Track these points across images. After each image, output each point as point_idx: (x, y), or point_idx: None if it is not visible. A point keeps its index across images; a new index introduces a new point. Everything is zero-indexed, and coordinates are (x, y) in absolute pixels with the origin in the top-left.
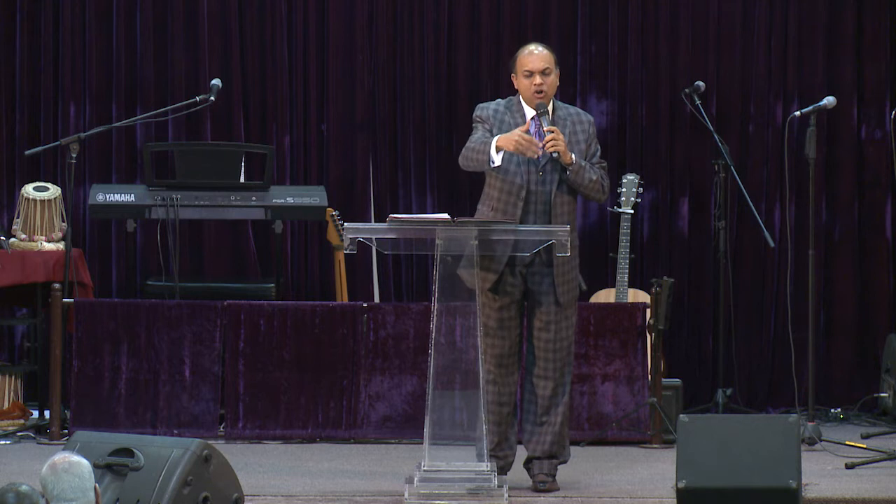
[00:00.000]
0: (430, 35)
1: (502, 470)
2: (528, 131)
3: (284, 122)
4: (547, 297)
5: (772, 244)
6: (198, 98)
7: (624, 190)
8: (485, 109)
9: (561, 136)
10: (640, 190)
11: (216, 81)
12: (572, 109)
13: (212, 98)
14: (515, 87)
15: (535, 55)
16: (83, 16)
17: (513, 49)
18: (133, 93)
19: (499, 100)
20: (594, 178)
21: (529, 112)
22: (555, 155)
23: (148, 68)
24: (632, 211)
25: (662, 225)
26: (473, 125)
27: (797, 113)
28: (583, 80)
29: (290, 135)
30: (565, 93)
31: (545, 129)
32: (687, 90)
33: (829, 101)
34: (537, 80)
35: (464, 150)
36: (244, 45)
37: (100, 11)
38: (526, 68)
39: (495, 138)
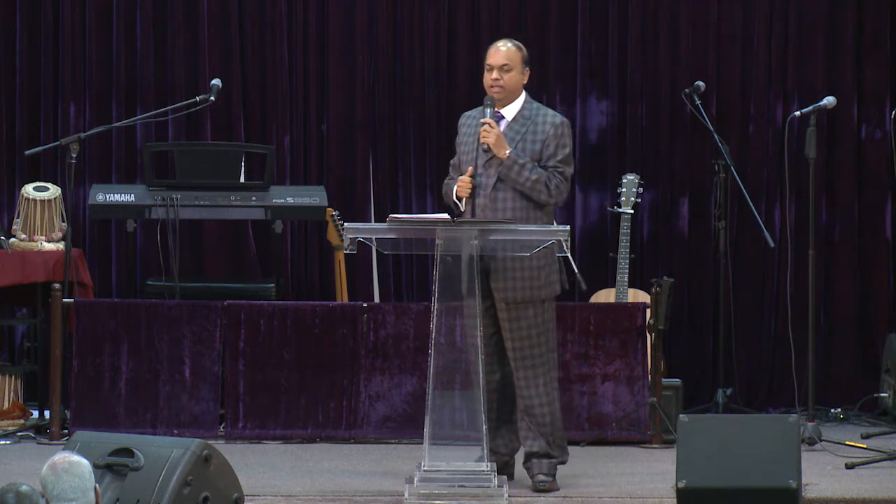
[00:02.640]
0: (430, 35)
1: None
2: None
3: (284, 122)
4: (498, 295)
5: (772, 244)
6: (198, 98)
7: (624, 190)
8: (462, 117)
9: (494, 129)
10: (640, 190)
11: (216, 81)
12: (543, 111)
13: (212, 98)
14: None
15: (497, 51)
16: (83, 16)
17: None
18: (133, 93)
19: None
20: (533, 177)
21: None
22: (484, 147)
23: (148, 68)
24: (632, 211)
25: (662, 225)
26: None
27: (797, 113)
28: (583, 80)
29: (290, 135)
30: (565, 93)
31: (482, 120)
32: (687, 90)
33: (829, 101)
34: (494, 74)
35: (445, 183)
36: (244, 45)
37: (100, 11)
38: (487, 62)
39: (456, 185)
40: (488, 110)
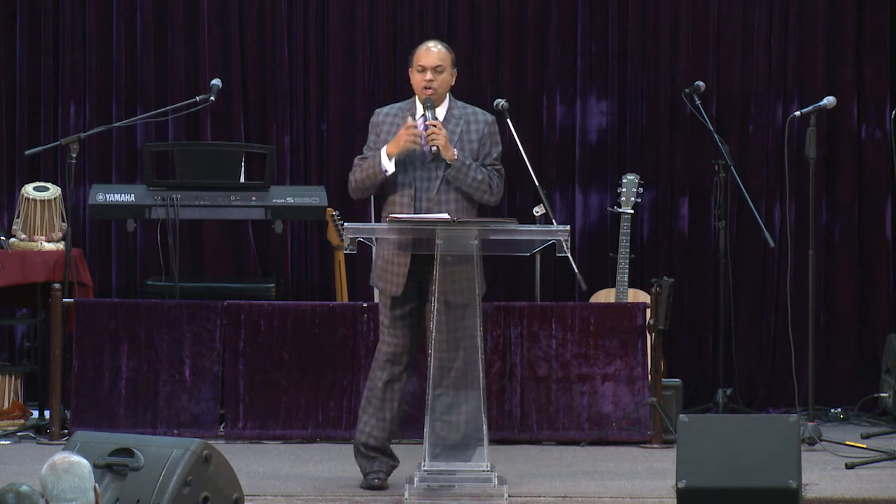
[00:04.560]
0: (430, 35)
1: None
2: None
3: (284, 122)
4: (442, 297)
5: (772, 244)
6: (198, 98)
7: (624, 190)
8: (378, 114)
9: (442, 131)
10: (640, 190)
11: (216, 81)
12: (470, 109)
13: (212, 98)
14: (412, 82)
15: (429, 52)
16: (83, 16)
17: (513, 49)
18: (133, 93)
19: (400, 103)
20: (479, 177)
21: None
22: (433, 149)
23: (148, 68)
24: (632, 211)
25: (662, 225)
26: (369, 134)
27: (797, 113)
28: (583, 80)
29: (290, 135)
30: (565, 93)
31: (427, 122)
32: (687, 90)
33: (829, 101)
34: (428, 76)
35: (351, 175)
36: (244, 45)
37: (100, 11)
38: (419, 63)
39: (384, 148)
40: (429, 112)
